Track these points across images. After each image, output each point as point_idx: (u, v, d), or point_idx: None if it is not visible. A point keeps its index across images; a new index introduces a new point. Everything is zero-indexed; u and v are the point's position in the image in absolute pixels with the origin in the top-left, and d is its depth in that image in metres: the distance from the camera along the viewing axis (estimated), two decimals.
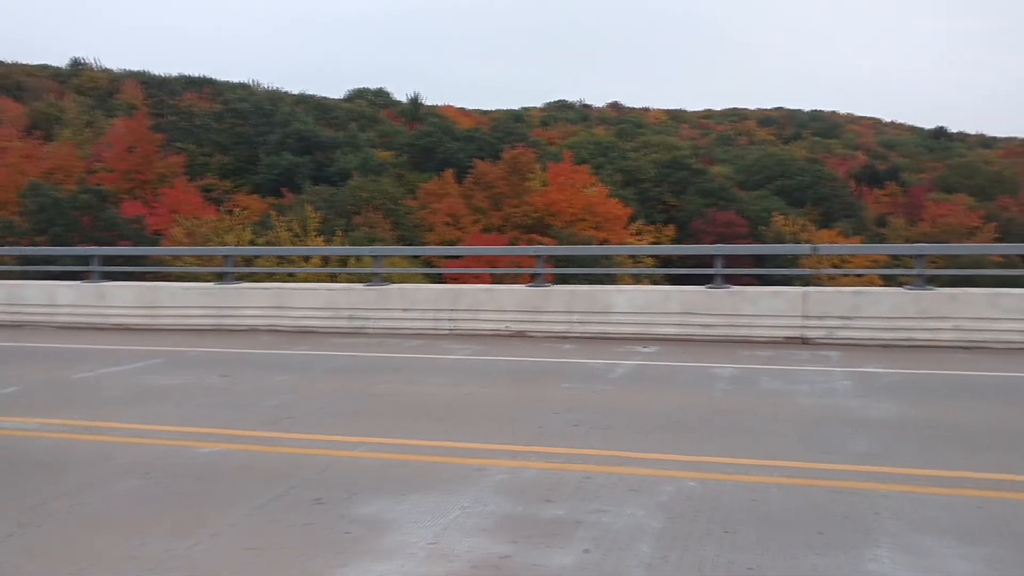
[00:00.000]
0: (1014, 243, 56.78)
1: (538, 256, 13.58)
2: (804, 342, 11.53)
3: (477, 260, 27.96)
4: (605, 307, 12.35)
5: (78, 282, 15.19)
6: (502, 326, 12.67)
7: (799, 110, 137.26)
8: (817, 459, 6.04)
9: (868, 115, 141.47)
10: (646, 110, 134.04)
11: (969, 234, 65.88)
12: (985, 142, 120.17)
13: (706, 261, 12.93)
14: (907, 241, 61.68)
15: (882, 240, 65.45)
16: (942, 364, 9.98)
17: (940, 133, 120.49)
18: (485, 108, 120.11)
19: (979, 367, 9.77)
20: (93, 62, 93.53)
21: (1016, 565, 4.25)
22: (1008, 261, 46.40)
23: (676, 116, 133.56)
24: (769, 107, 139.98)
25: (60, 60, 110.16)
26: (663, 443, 6.49)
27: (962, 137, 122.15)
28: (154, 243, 40.28)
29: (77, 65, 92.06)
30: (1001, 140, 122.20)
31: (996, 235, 65.57)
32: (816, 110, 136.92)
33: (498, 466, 5.95)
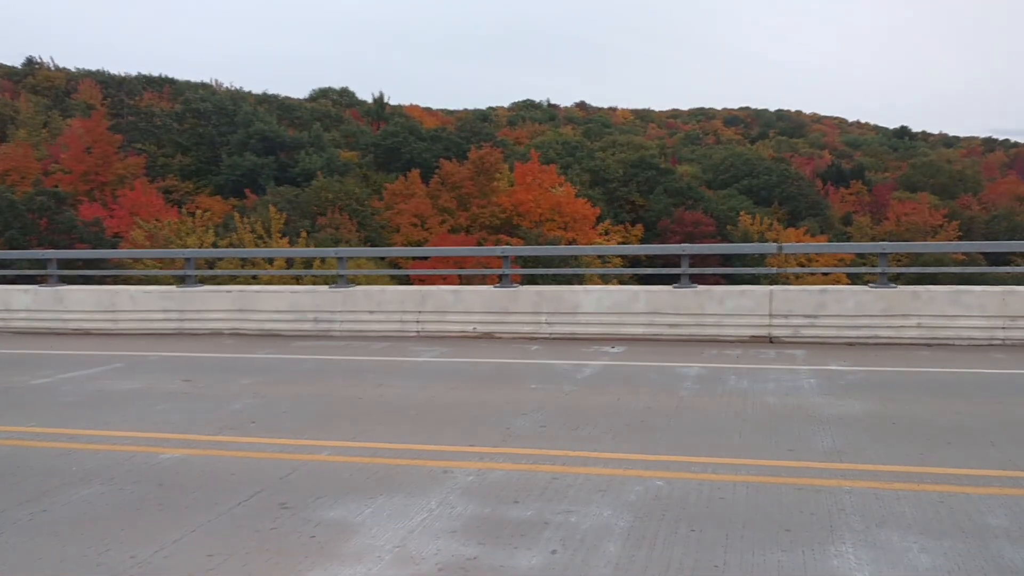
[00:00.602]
0: (976, 241, 57.81)
1: (505, 257, 13.53)
2: (771, 341, 11.62)
3: (444, 261, 27.79)
4: (573, 308, 12.35)
5: (35, 286, 14.91)
6: (469, 327, 12.62)
7: (765, 109, 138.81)
8: (783, 457, 6.08)
9: (833, 115, 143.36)
10: (613, 110, 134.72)
11: (932, 232, 66.98)
12: (947, 141, 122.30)
13: (673, 261, 12.99)
14: (872, 239, 62.55)
15: (848, 238, 66.31)
16: (906, 361, 10.10)
17: (903, 132, 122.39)
18: (451, 108, 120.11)
19: (942, 364, 9.89)
20: (49, 61, 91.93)
21: (976, 558, 4.30)
22: (970, 259, 47.30)
23: (643, 116, 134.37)
24: (735, 107, 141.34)
25: (14, 59, 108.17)
26: (631, 443, 6.49)
27: (925, 136, 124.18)
28: (114, 246, 39.64)
29: (32, 64, 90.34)
30: (963, 139, 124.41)
31: (958, 233, 66.76)
32: (781, 110, 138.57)
33: (465, 468, 5.91)
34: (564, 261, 26.76)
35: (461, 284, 23.25)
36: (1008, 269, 22.76)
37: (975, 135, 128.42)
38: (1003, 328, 11.08)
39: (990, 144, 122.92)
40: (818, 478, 5.57)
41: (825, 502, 5.11)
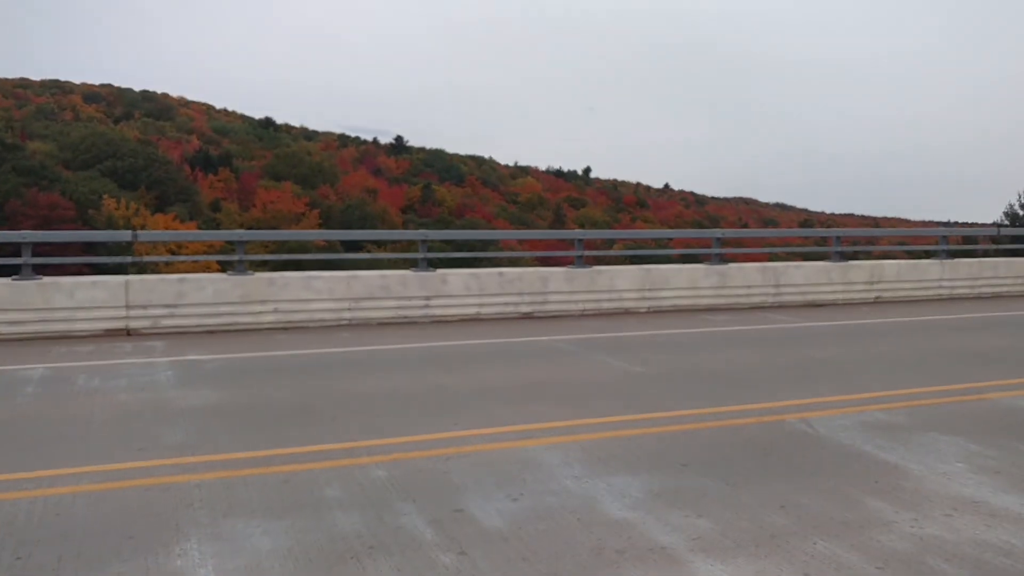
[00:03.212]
0: (333, 229, 63.15)
1: None
2: (129, 333, 11.07)
3: None
4: None
5: None
6: None
7: (129, 89, 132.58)
8: (132, 458, 5.78)
9: (200, 100, 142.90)
10: None
11: (296, 220, 71.44)
12: (308, 135, 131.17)
13: (19, 250, 11.46)
14: (241, 226, 64.25)
15: (218, 225, 66.98)
16: (263, 346, 10.48)
17: (268, 123, 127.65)
18: None
19: (296, 346, 10.49)
20: None
21: (314, 530, 4.57)
22: (330, 246, 51.49)
23: None
24: (96, 83, 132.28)
25: None
26: None
27: (288, 128, 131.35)
28: None
29: None
30: (321, 134, 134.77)
31: (319, 221, 72.33)
32: (147, 90, 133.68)
33: None
34: None
35: None
36: (362, 256, 25.27)
37: (331, 131, 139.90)
38: (348, 310, 12.22)
39: (344, 140, 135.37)
40: (168, 476, 5.41)
41: (172, 500, 4.98)
